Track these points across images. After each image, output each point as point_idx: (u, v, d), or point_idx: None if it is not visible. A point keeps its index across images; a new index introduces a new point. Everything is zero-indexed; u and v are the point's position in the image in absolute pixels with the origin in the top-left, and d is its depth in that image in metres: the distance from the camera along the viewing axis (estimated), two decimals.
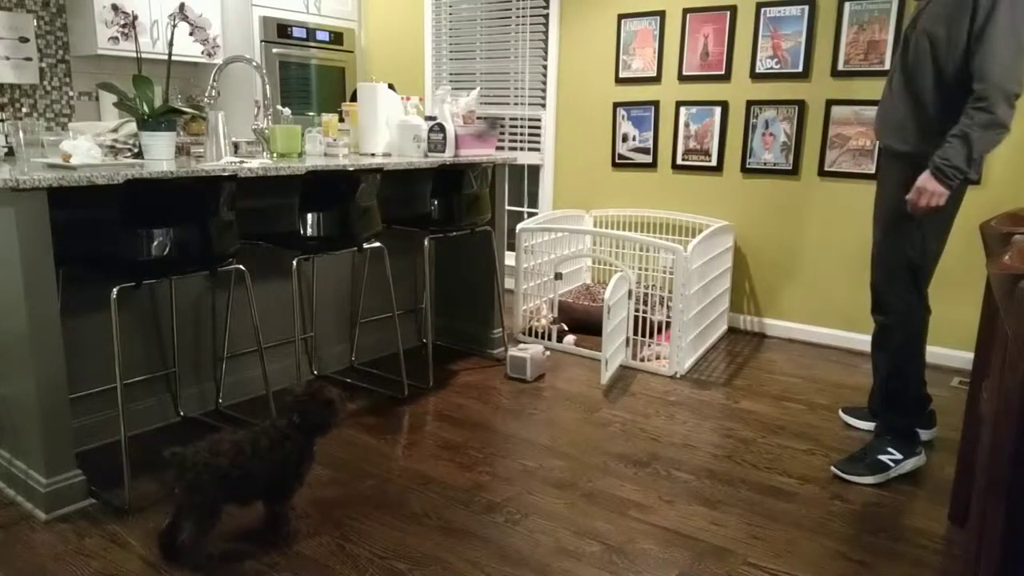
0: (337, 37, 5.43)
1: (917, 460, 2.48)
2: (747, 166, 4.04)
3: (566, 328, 3.87)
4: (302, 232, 2.65)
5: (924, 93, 2.29)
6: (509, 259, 4.19)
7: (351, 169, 2.67)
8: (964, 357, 3.41)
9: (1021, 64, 2.13)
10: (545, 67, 4.73)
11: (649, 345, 3.55)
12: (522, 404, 3.04)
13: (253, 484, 1.93)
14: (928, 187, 2.24)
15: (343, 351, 3.43)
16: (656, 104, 4.29)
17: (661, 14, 4.18)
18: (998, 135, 2.17)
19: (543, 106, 4.80)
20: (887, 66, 3.51)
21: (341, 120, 3.61)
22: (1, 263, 2.06)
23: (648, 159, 4.37)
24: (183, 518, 1.86)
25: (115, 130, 2.66)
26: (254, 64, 3.08)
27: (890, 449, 2.45)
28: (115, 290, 2.12)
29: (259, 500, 2.01)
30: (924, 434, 2.63)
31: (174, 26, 2.72)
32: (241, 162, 2.61)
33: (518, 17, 4.81)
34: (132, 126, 2.62)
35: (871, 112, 2.48)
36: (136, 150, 2.57)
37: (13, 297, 2.04)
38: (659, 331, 3.58)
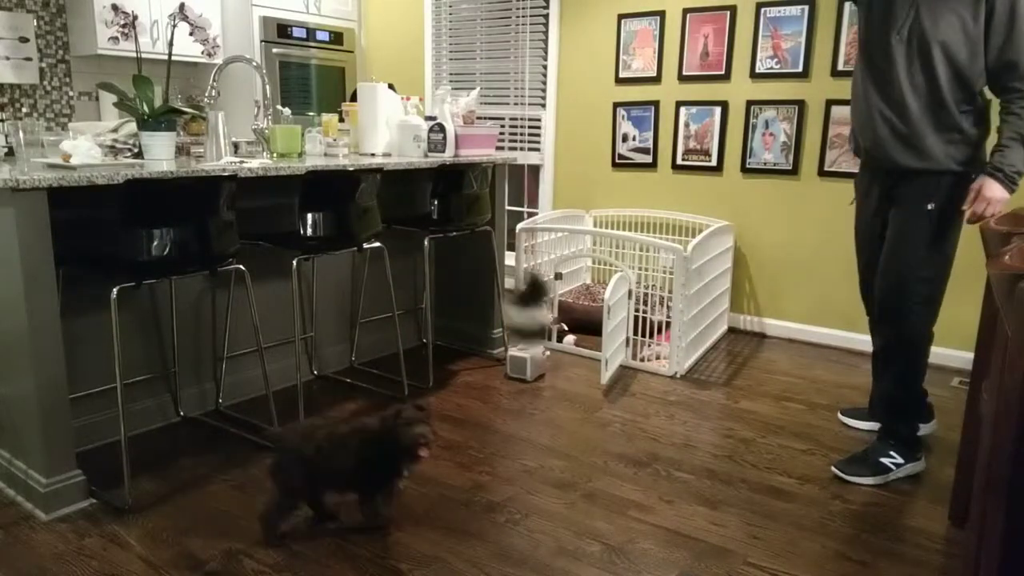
0: (337, 37, 5.43)
1: (916, 465, 2.47)
2: (747, 166, 4.04)
3: (566, 328, 3.87)
4: (302, 232, 2.65)
5: (945, 104, 2.21)
6: (509, 259, 4.19)
7: (351, 169, 2.67)
8: (964, 357, 3.41)
9: None
10: (545, 67, 4.73)
11: (649, 345, 3.55)
12: (522, 404, 3.04)
13: (336, 476, 2.01)
14: (997, 196, 2.18)
15: (343, 351, 3.43)
16: (656, 104, 4.29)
17: (661, 14, 4.18)
18: None
19: (543, 106, 4.79)
20: None
21: (341, 120, 3.61)
22: (1, 263, 2.06)
23: (648, 159, 4.37)
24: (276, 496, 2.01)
25: (115, 130, 2.66)
26: (254, 64, 3.08)
27: (892, 453, 2.44)
28: (115, 290, 2.12)
29: (348, 492, 2.07)
30: (922, 428, 2.62)
31: (174, 26, 2.72)
32: (241, 162, 2.61)
33: (518, 17, 4.81)
34: (132, 126, 2.62)
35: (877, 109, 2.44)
36: (136, 150, 2.57)
37: (13, 297, 2.04)
38: (659, 331, 3.57)
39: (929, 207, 2.29)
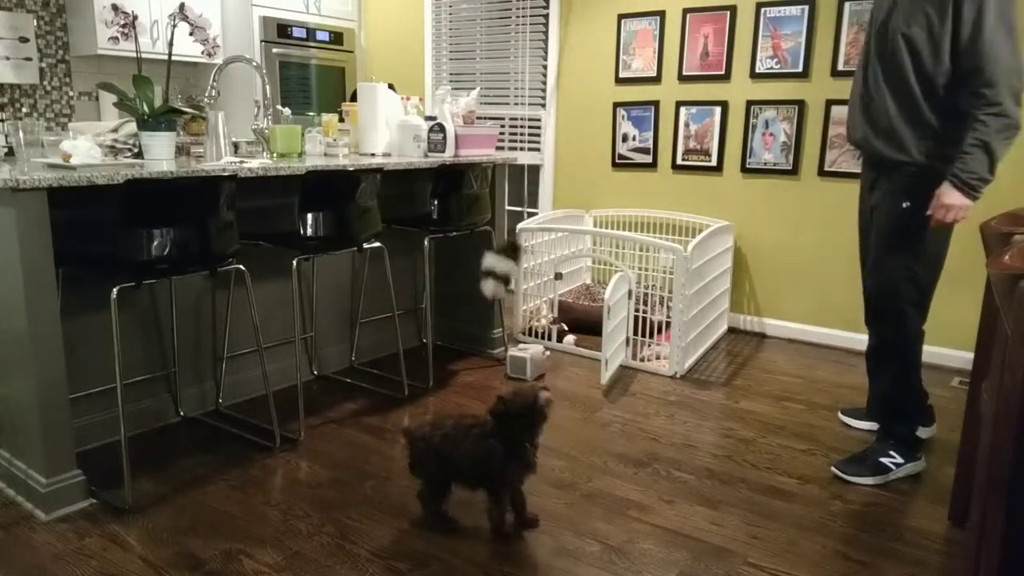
0: (337, 37, 5.43)
1: (916, 465, 2.47)
2: (747, 166, 4.04)
3: (566, 328, 3.87)
4: (302, 232, 2.65)
5: (914, 98, 2.25)
6: None
7: (351, 169, 2.67)
8: (964, 357, 3.41)
9: (1018, 59, 2.10)
10: (545, 67, 4.73)
11: (649, 345, 3.55)
12: None
13: (459, 469, 2.04)
14: (957, 203, 2.18)
15: (343, 351, 3.43)
16: (656, 104, 4.29)
17: (661, 14, 4.18)
18: (1014, 135, 2.14)
19: (543, 106, 4.79)
20: None
21: (341, 120, 3.60)
22: (1, 263, 2.06)
23: (648, 159, 4.37)
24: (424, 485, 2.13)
25: (115, 130, 2.66)
26: (254, 64, 3.08)
27: (892, 452, 2.44)
28: (115, 290, 2.12)
29: (478, 486, 2.07)
30: (923, 431, 2.62)
31: (174, 26, 2.72)
32: (241, 162, 2.61)
33: (518, 17, 4.81)
34: (132, 126, 2.62)
35: (861, 106, 2.46)
36: (136, 150, 2.57)
37: (13, 297, 2.04)
38: (659, 331, 3.57)
39: (905, 205, 2.30)
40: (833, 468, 2.49)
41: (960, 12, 2.11)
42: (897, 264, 2.35)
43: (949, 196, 2.19)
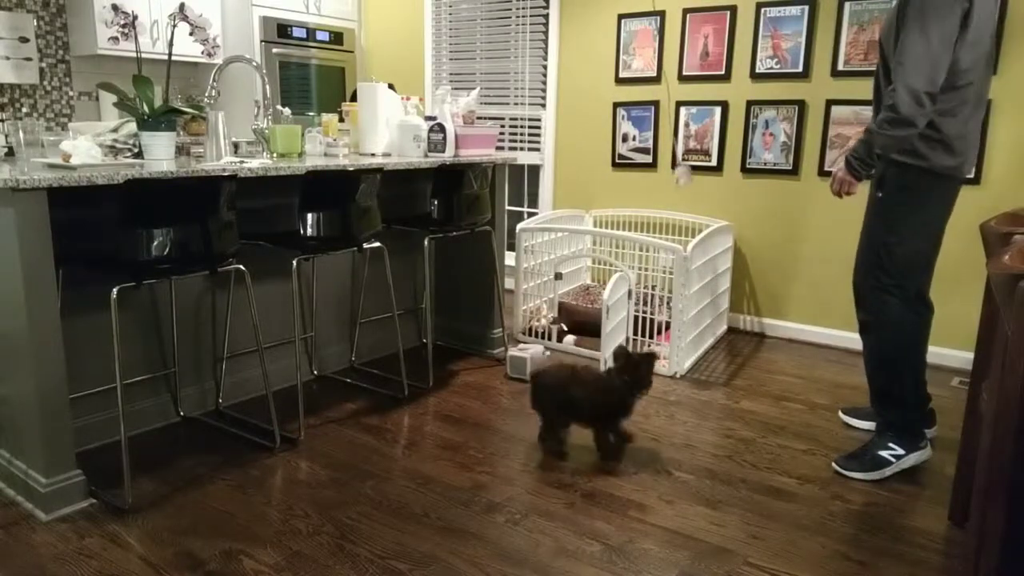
0: (337, 37, 5.43)
1: (920, 455, 2.47)
2: (747, 166, 4.04)
3: (566, 328, 3.87)
4: (302, 232, 2.65)
5: (884, 95, 2.36)
6: (509, 259, 4.19)
7: (351, 169, 2.67)
8: (964, 357, 3.41)
9: (930, 62, 2.13)
10: (545, 67, 4.73)
11: (649, 345, 3.55)
12: (522, 404, 3.03)
13: (580, 410, 2.51)
14: (838, 175, 2.40)
15: (343, 351, 3.43)
16: (656, 104, 4.29)
17: (661, 14, 4.18)
18: (903, 131, 2.19)
19: (543, 106, 4.79)
20: None
21: (341, 120, 3.60)
22: (1, 263, 2.06)
23: (648, 159, 4.37)
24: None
25: (115, 130, 2.66)
26: (254, 64, 3.09)
27: (891, 445, 2.45)
28: (115, 290, 2.13)
29: (591, 423, 2.55)
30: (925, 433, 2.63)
31: (174, 26, 2.72)
32: (241, 162, 2.61)
33: (518, 17, 4.81)
34: (132, 126, 2.62)
35: (871, 112, 2.53)
36: (136, 150, 2.58)
37: (13, 297, 2.04)
38: (659, 331, 3.57)
39: (879, 195, 2.40)
40: (834, 464, 2.50)
41: (900, 20, 2.21)
42: (868, 253, 2.45)
43: (835, 169, 2.42)
